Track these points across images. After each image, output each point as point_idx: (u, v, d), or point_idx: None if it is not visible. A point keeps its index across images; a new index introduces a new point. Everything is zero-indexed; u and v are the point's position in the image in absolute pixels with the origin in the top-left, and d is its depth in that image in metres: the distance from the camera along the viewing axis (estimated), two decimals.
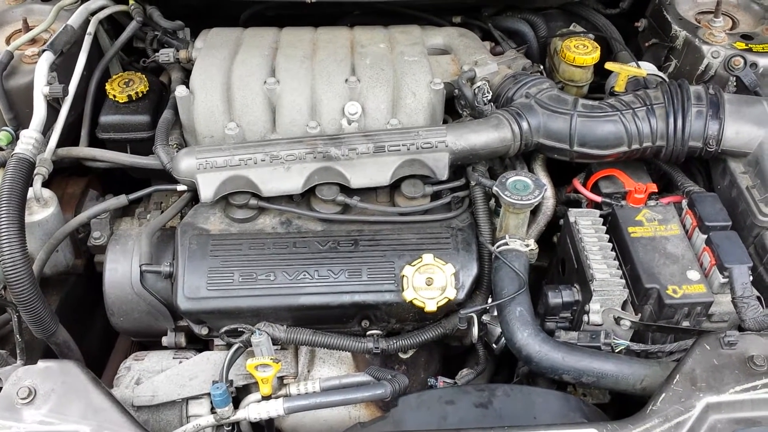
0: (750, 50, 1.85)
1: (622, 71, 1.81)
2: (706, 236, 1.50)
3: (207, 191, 1.57)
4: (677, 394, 1.24)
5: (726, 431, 1.20)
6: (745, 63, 1.83)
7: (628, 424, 1.21)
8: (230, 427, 1.47)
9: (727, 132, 1.61)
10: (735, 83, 1.84)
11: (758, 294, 1.43)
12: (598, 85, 2.01)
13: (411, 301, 1.47)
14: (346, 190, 1.61)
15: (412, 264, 1.50)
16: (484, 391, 1.35)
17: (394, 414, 1.34)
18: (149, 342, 1.72)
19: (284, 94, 1.72)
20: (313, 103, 1.72)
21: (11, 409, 1.22)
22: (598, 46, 1.93)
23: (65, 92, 1.71)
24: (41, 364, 1.29)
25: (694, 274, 1.45)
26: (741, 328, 1.38)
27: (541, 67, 1.93)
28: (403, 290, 1.48)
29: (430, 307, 1.47)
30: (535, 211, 1.70)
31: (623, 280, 1.48)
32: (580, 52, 1.91)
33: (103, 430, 1.21)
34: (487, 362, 1.66)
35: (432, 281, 1.49)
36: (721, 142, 1.61)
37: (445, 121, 1.82)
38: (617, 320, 1.45)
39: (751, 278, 1.42)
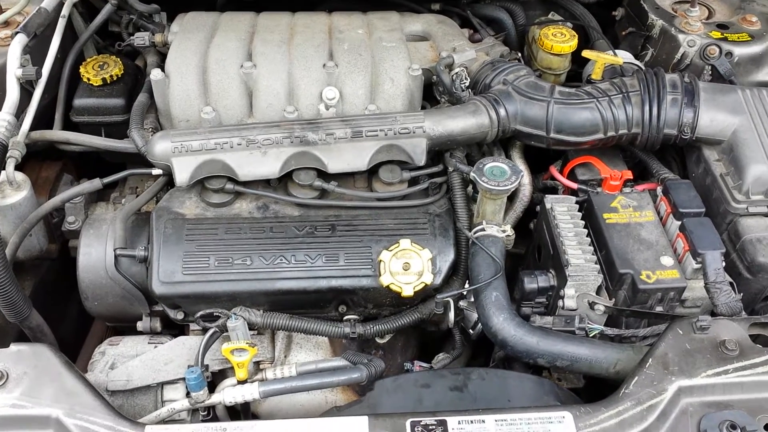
0: (725, 39, 1.87)
1: (599, 59, 1.82)
2: (680, 222, 1.51)
3: (182, 175, 1.56)
4: (649, 377, 1.25)
5: (697, 414, 1.21)
6: (721, 52, 1.85)
7: (601, 407, 1.22)
8: (206, 412, 1.46)
9: (702, 120, 1.62)
10: (710, 72, 1.86)
11: (731, 280, 1.45)
12: (576, 73, 2.02)
13: (388, 286, 1.48)
14: (323, 175, 1.60)
15: (389, 249, 1.51)
16: (459, 375, 1.36)
17: (370, 398, 1.34)
18: (124, 327, 1.71)
19: (261, 78, 1.70)
20: (291, 87, 1.71)
21: None
22: (575, 34, 1.94)
23: (38, 75, 1.69)
24: (13, 347, 1.27)
25: (667, 260, 1.47)
26: (713, 314, 1.40)
27: (519, 54, 1.93)
28: (380, 275, 1.49)
29: (407, 292, 1.47)
30: (512, 198, 1.71)
31: (598, 266, 1.49)
32: (557, 40, 1.92)
33: (75, 414, 1.19)
34: (464, 347, 1.67)
35: (409, 266, 1.49)
36: (695, 129, 1.63)
37: (423, 107, 1.82)
38: (591, 305, 1.46)
39: (724, 264, 1.44)
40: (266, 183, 1.63)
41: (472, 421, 1.19)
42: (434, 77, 1.81)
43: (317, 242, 1.54)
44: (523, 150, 1.77)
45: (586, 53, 1.85)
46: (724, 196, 1.58)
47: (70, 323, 1.84)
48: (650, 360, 1.28)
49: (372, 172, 1.65)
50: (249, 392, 1.35)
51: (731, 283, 1.43)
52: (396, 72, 1.74)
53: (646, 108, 1.62)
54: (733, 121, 1.62)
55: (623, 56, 1.91)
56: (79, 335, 1.89)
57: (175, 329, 1.66)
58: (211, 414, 1.48)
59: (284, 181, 1.63)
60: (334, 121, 1.61)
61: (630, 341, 1.46)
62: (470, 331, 1.61)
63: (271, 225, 1.56)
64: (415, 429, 1.18)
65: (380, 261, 1.49)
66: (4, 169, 1.56)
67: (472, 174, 1.52)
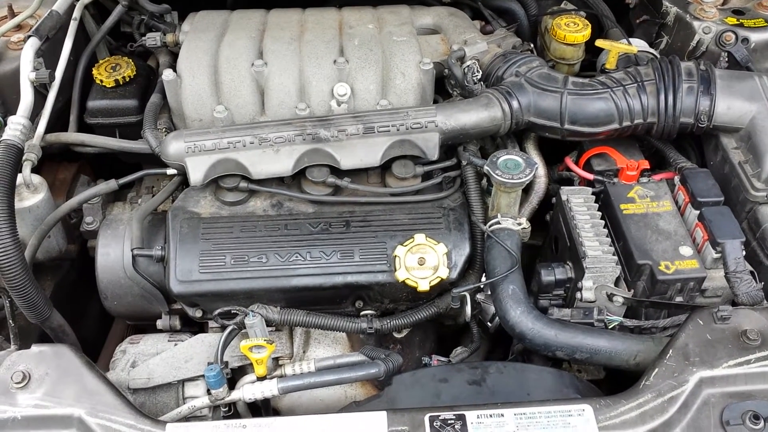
0: (741, 25, 1.84)
1: (613, 48, 1.80)
2: (698, 212, 1.50)
3: (196, 175, 1.57)
4: (670, 369, 1.25)
5: (719, 405, 1.20)
6: (737, 38, 1.82)
7: (621, 400, 1.22)
8: (227, 408, 1.47)
9: (719, 107, 1.60)
10: (727, 59, 1.83)
11: (751, 268, 1.44)
12: (590, 62, 2.00)
13: (403, 281, 1.47)
14: (336, 171, 1.60)
15: (404, 244, 1.50)
16: (477, 369, 1.36)
17: (388, 392, 1.34)
18: (145, 325, 1.72)
19: (272, 76, 1.70)
20: (302, 84, 1.71)
21: (6, 394, 1.22)
22: (588, 23, 1.93)
23: (52, 77, 1.70)
24: (35, 348, 1.29)
25: (686, 250, 1.45)
26: (734, 303, 1.38)
27: (532, 45, 1.92)
28: (395, 270, 1.48)
29: (423, 286, 1.47)
30: (527, 190, 1.70)
31: (615, 257, 1.48)
32: (570, 29, 1.90)
33: (97, 413, 1.20)
34: (482, 341, 1.67)
35: (424, 261, 1.49)
36: (712, 117, 1.61)
37: (435, 101, 1.81)
38: (610, 297, 1.45)
39: (744, 253, 1.42)
40: (280, 181, 1.63)
41: (490, 415, 1.19)
42: (446, 70, 1.80)
43: (332, 239, 1.54)
44: (537, 142, 1.76)
45: (599, 42, 1.84)
46: (743, 185, 1.56)
47: (92, 322, 1.86)
48: (670, 351, 1.27)
49: (385, 168, 1.65)
50: (268, 389, 1.36)
51: (752, 272, 1.42)
52: (407, 66, 1.73)
53: (662, 97, 1.60)
54: (751, 108, 1.60)
55: (637, 45, 1.89)
56: (100, 334, 1.91)
57: (194, 327, 1.68)
58: (232, 410, 1.49)
59: (298, 178, 1.63)
60: (345, 117, 1.61)
61: (650, 332, 1.45)
62: (488, 324, 1.61)
63: (286, 222, 1.56)
64: (434, 424, 1.18)
65: (395, 256, 1.49)
66: (20, 172, 1.57)
67: (485, 167, 1.51)
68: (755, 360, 1.25)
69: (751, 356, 1.25)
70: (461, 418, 1.19)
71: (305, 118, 1.64)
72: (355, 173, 1.63)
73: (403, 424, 1.19)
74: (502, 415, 1.19)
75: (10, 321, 1.40)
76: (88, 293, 1.72)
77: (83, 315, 1.80)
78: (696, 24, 1.86)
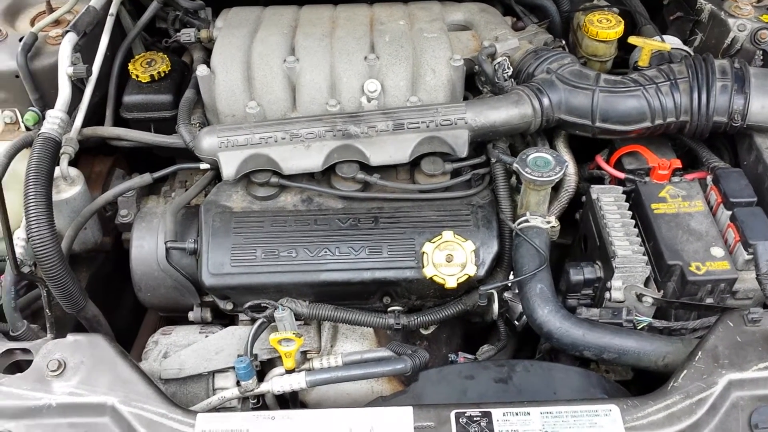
0: None
1: (646, 45, 1.78)
2: (730, 212, 1.48)
3: (229, 169, 1.59)
4: (699, 370, 1.24)
5: (748, 408, 1.19)
6: None
7: (649, 401, 1.21)
8: (255, 400, 1.50)
9: (753, 106, 1.58)
10: (762, 57, 1.80)
11: None
12: (622, 60, 1.98)
13: (431, 278, 1.48)
14: (366, 167, 1.62)
15: (432, 241, 1.51)
16: (503, 367, 1.36)
17: (415, 388, 1.36)
18: (177, 317, 1.76)
19: (304, 72, 1.72)
20: (333, 81, 1.73)
21: (42, 381, 1.25)
22: (621, 20, 1.90)
23: (89, 72, 1.73)
24: (70, 337, 1.33)
25: (718, 251, 1.44)
26: (766, 306, 1.37)
27: (564, 42, 1.90)
28: (423, 267, 1.49)
29: (450, 283, 1.47)
30: (557, 188, 1.69)
31: (645, 257, 1.46)
32: (603, 26, 1.88)
33: (130, 401, 1.23)
34: (509, 339, 1.67)
35: (452, 258, 1.49)
36: (746, 116, 1.58)
37: (465, 98, 1.81)
38: (639, 297, 1.44)
39: None
40: (310, 176, 1.65)
41: (516, 413, 1.19)
42: (476, 67, 1.80)
43: (360, 234, 1.55)
44: (568, 140, 1.75)
45: (632, 39, 1.82)
46: None
47: (125, 313, 1.90)
48: (700, 353, 1.26)
49: (414, 164, 1.65)
50: (296, 381, 1.38)
51: None
52: (437, 63, 1.73)
53: (695, 95, 1.58)
54: None
55: (671, 42, 1.87)
56: (133, 325, 1.95)
57: (225, 319, 1.70)
58: (260, 402, 1.51)
59: (327, 174, 1.64)
60: (375, 113, 1.62)
61: (679, 334, 1.44)
62: (515, 322, 1.60)
63: (315, 218, 1.58)
64: (460, 420, 1.18)
65: (423, 253, 1.50)
66: (58, 165, 1.62)
67: (515, 165, 1.51)
68: None
69: None
70: (487, 415, 1.19)
71: (335, 114, 1.65)
72: (385, 169, 1.64)
73: (429, 419, 1.20)
74: (528, 414, 1.19)
75: (47, 310, 1.43)
76: (122, 285, 1.76)
77: (117, 306, 1.84)
78: (731, 21, 1.83)
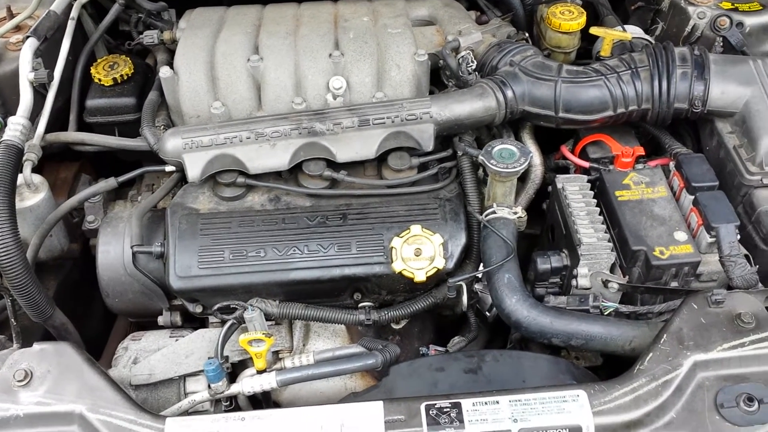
0: (736, 10, 1.84)
1: (607, 36, 1.80)
2: (693, 197, 1.50)
3: (194, 171, 1.58)
4: (664, 353, 1.25)
5: (713, 388, 1.21)
6: (731, 23, 1.82)
7: (616, 385, 1.22)
8: (228, 402, 1.49)
9: (713, 92, 1.60)
10: (722, 43, 1.83)
11: (746, 252, 1.44)
12: (586, 50, 2.00)
13: (400, 273, 1.48)
14: (333, 164, 1.61)
15: (400, 235, 1.51)
16: (473, 357, 1.37)
17: (386, 383, 1.36)
18: (147, 322, 1.74)
19: (268, 71, 1.72)
20: (298, 79, 1.72)
21: (8, 392, 1.23)
22: (583, 11, 1.92)
23: (50, 77, 1.71)
24: (36, 346, 1.31)
25: (681, 235, 1.46)
26: (730, 287, 1.39)
27: (527, 34, 1.92)
28: (392, 262, 1.49)
29: (420, 277, 1.48)
30: (524, 179, 1.70)
31: (611, 244, 1.48)
32: (565, 18, 1.90)
33: (98, 409, 1.22)
34: (480, 330, 1.68)
35: (420, 252, 1.49)
36: (706, 102, 1.60)
37: (431, 93, 1.82)
38: (605, 283, 1.46)
39: (739, 237, 1.42)
40: (277, 175, 1.64)
41: (486, 403, 1.20)
42: (441, 62, 1.80)
43: (329, 231, 1.55)
44: (533, 131, 1.76)
45: (593, 30, 1.83)
46: (738, 169, 1.56)
47: (96, 320, 1.88)
48: (665, 336, 1.27)
49: (381, 160, 1.65)
50: (266, 381, 1.37)
51: (747, 256, 1.42)
52: (402, 58, 1.74)
53: (656, 83, 1.60)
54: (745, 92, 1.59)
55: (633, 31, 1.89)
56: (105, 332, 1.93)
57: (195, 322, 1.69)
58: (233, 404, 1.51)
59: (295, 172, 1.64)
60: (340, 110, 1.62)
61: (646, 318, 1.46)
62: (486, 313, 1.61)
63: (283, 216, 1.58)
64: (430, 412, 1.19)
65: (392, 248, 1.50)
66: (21, 172, 1.59)
67: (480, 157, 1.52)
68: (749, 343, 1.25)
69: (746, 339, 1.25)
70: (457, 406, 1.20)
71: (301, 112, 1.65)
72: (352, 166, 1.64)
73: (400, 413, 1.20)
74: (498, 402, 1.20)
75: (13, 320, 1.42)
76: (92, 291, 1.74)
77: (88, 313, 1.82)
78: (691, 9, 1.86)
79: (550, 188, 1.67)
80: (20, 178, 1.60)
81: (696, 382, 1.22)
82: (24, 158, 1.61)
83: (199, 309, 1.59)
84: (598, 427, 1.17)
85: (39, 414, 1.22)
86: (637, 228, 1.47)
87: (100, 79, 1.84)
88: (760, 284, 1.38)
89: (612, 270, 1.48)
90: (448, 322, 1.80)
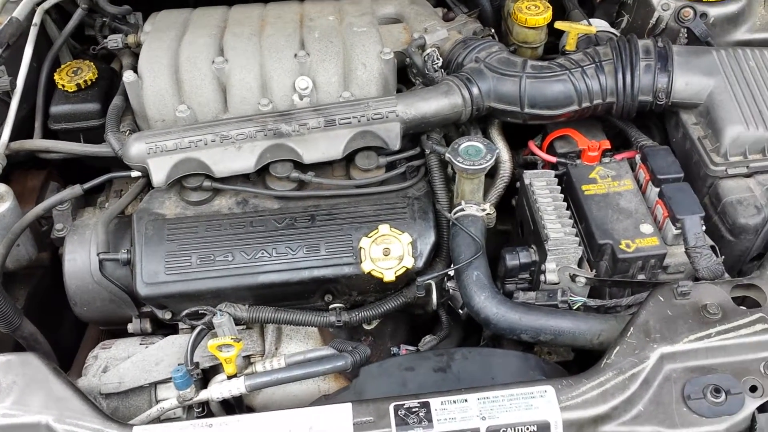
0: (700, 0, 1.84)
1: (572, 30, 1.80)
2: (658, 189, 1.51)
3: (159, 176, 1.57)
4: (631, 346, 1.26)
5: (680, 380, 1.22)
6: (695, 13, 1.83)
7: (583, 379, 1.23)
8: (200, 408, 1.48)
9: (677, 84, 1.61)
10: (686, 35, 1.84)
11: (712, 243, 1.45)
12: (554, 45, 2.00)
13: (369, 273, 1.48)
14: (300, 166, 1.61)
15: (369, 235, 1.51)
16: (443, 356, 1.37)
17: (356, 384, 1.35)
18: (118, 330, 1.72)
19: (233, 72, 1.70)
20: (264, 80, 1.71)
21: None
22: (549, 6, 1.91)
23: (13, 85, 1.70)
24: (1, 357, 1.29)
25: (647, 228, 1.47)
26: (696, 278, 1.40)
27: (493, 30, 1.91)
28: (361, 262, 1.49)
29: (389, 277, 1.48)
30: (493, 176, 1.71)
31: (578, 239, 1.49)
32: (531, 13, 1.89)
33: (65, 419, 1.21)
34: (452, 328, 1.68)
35: (389, 251, 1.49)
36: (670, 94, 1.61)
37: (399, 91, 1.81)
38: (573, 278, 1.47)
39: (704, 228, 1.43)
40: (245, 178, 1.63)
41: (454, 401, 1.20)
42: (407, 60, 1.80)
43: (298, 234, 1.54)
44: (501, 127, 1.77)
45: (558, 24, 1.84)
46: (702, 160, 1.57)
47: (68, 329, 1.85)
48: (631, 329, 1.28)
49: (349, 160, 1.65)
50: (235, 386, 1.37)
51: (712, 247, 1.43)
52: (368, 57, 1.73)
53: (620, 76, 1.61)
54: (709, 83, 1.60)
55: (598, 25, 1.89)
56: (77, 341, 1.91)
57: (166, 329, 1.68)
58: (205, 410, 1.50)
59: (262, 174, 1.63)
60: (306, 111, 1.61)
61: (614, 311, 1.47)
62: (459, 311, 1.61)
63: (251, 219, 1.57)
64: (399, 412, 1.19)
65: (360, 248, 1.50)
66: None
67: (447, 155, 1.51)
68: (715, 334, 1.26)
69: (712, 330, 1.26)
70: (425, 405, 1.20)
71: (266, 113, 1.64)
72: (320, 167, 1.63)
73: (368, 414, 1.20)
74: (466, 401, 1.20)
75: None
76: (63, 300, 1.71)
77: (59, 322, 1.80)
78: (655, 1, 1.86)
79: (518, 184, 1.67)
80: None
81: (663, 374, 1.23)
82: None
83: (168, 315, 1.57)
84: (565, 421, 1.18)
85: (5, 426, 1.21)
86: (604, 222, 1.47)
87: (63, 85, 1.81)
88: (726, 275, 1.39)
89: (580, 264, 1.49)
90: (421, 322, 1.80)
